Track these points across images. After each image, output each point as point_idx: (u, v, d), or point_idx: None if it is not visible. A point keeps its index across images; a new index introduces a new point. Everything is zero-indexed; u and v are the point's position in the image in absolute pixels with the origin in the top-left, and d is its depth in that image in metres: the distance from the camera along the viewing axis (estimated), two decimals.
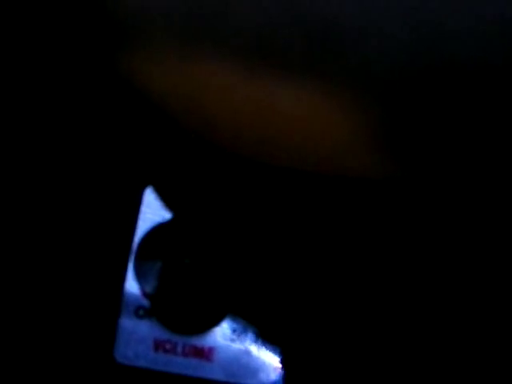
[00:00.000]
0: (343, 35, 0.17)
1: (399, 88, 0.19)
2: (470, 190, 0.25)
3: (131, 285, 0.28)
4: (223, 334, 0.28)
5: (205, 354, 0.28)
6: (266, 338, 0.28)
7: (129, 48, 0.21)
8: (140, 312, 0.28)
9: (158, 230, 0.29)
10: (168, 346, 0.28)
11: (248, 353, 0.28)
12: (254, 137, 0.22)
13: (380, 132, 0.20)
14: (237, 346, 0.28)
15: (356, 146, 0.20)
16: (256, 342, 0.28)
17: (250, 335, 0.28)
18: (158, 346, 0.28)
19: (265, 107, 0.20)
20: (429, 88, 0.18)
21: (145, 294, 0.28)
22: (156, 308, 0.28)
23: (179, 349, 0.28)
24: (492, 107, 0.19)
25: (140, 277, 0.28)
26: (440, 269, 0.27)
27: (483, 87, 0.18)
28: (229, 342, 0.28)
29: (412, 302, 0.27)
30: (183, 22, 0.19)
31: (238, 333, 0.28)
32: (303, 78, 0.19)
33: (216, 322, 0.28)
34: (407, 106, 0.19)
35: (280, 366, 0.27)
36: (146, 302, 0.28)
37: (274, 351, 0.28)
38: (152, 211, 0.29)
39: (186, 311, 0.28)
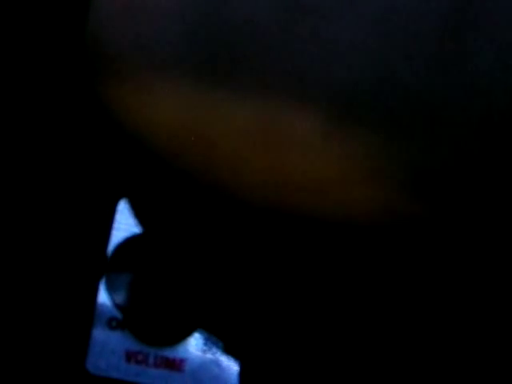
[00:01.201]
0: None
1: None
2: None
3: (103, 296, 0.28)
4: (194, 346, 0.28)
5: (176, 365, 0.28)
6: (236, 350, 0.28)
7: (116, 76, 0.21)
8: (112, 323, 0.28)
9: (129, 242, 0.29)
10: (140, 357, 0.28)
11: (219, 364, 0.28)
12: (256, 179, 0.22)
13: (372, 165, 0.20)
14: (208, 357, 0.28)
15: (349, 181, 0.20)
16: (226, 353, 0.28)
17: (221, 346, 0.28)
18: (130, 357, 0.28)
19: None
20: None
21: (116, 306, 0.28)
22: (128, 320, 0.28)
23: (151, 360, 0.28)
24: None
25: (111, 288, 0.28)
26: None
27: None
28: (200, 353, 0.28)
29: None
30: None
31: (208, 344, 0.28)
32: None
33: (187, 333, 0.28)
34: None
35: (249, 376, 0.28)
36: (118, 314, 0.28)
37: (245, 362, 0.28)
38: (125, 223, 0.29)
39: (157, 323, 0.28)
